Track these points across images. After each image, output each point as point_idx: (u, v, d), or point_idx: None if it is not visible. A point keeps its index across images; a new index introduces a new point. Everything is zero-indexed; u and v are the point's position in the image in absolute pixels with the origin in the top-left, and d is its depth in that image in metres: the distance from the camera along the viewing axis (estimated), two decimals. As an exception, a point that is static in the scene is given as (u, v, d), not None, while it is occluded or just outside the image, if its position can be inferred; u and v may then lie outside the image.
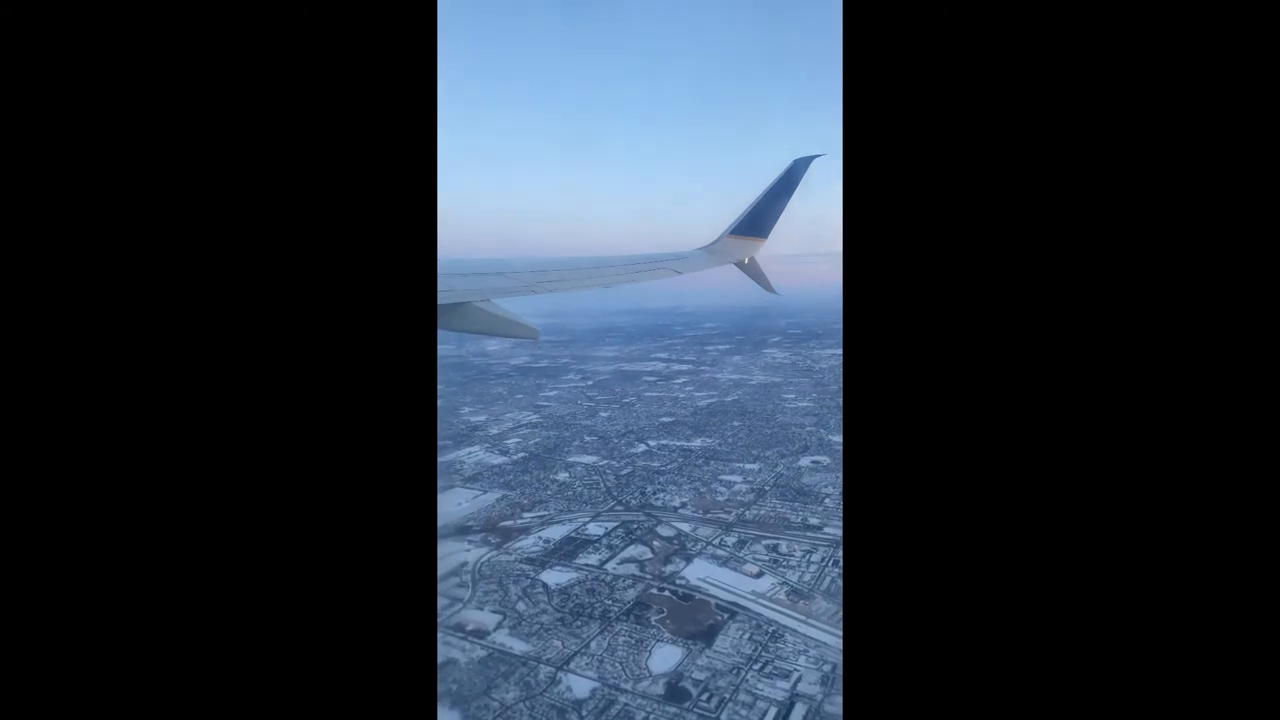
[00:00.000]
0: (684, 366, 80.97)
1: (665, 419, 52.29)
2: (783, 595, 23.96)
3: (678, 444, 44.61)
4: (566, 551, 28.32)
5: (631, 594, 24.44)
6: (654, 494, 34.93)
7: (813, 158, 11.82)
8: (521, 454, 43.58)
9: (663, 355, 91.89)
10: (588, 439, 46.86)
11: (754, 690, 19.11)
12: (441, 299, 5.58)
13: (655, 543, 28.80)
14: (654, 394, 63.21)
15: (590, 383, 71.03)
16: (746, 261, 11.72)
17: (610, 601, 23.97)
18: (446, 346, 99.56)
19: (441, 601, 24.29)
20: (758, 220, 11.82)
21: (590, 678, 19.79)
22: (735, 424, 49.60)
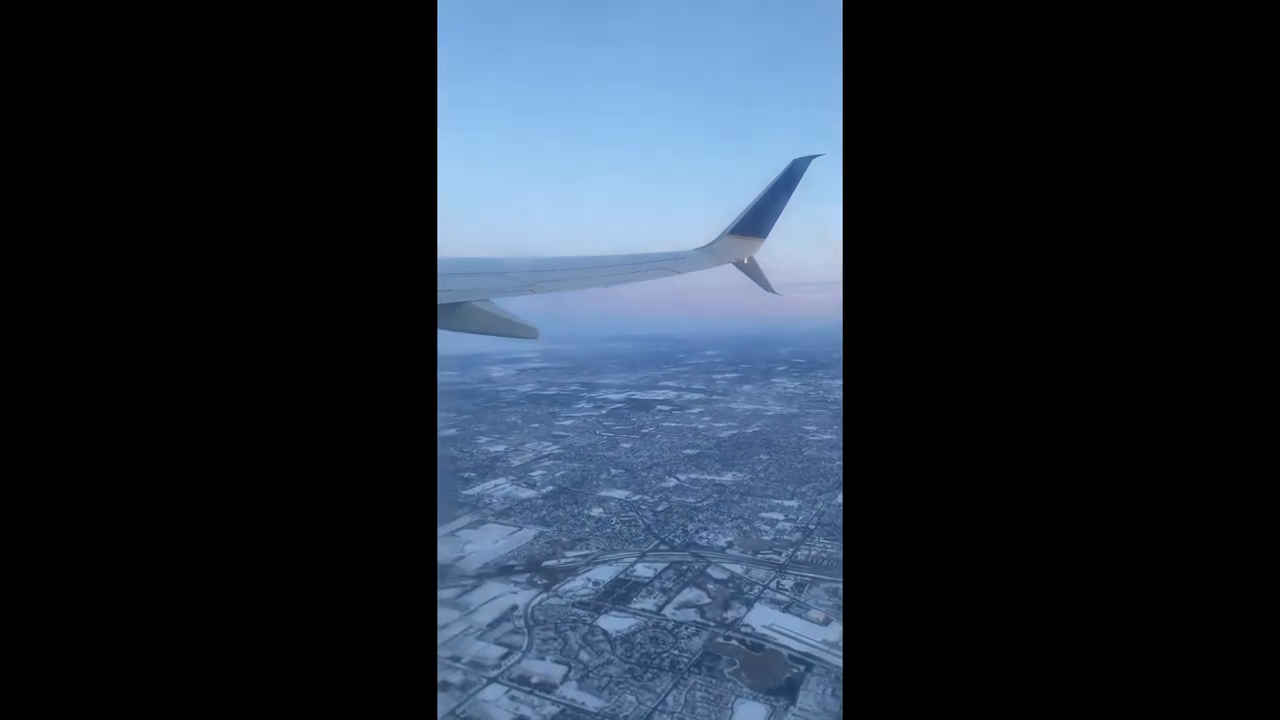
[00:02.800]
0: (696, 396, 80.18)
1: (689, 451, 51.39)
2: (856, 645, 23.01)
3: (709, 478, 43.69)
4: (619, 595, 27.22)
5: (697, 643, 23.39)
6: (696, 532, 33.93)
7: (812, 158, 11.61)
8: (549, 487, 42.47)
9: (671, 383, 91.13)
10: (614, 472, 45.83)
11: (850, 752, 18.10)
12: (440, 299, 5.29)
13: (710, 586, 27.79)
14: (672, 424, 62.32)
15: (604, 411, 70.05)
16: (745, 261, 11.44)
17: (677, 651, 22.89)
18: (450, 373, 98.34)
19: (499, 650, 23.17)
20: (757, 220, 11.56)
21: (674, 738, 18.72)
22: (763, 457, 48.78)
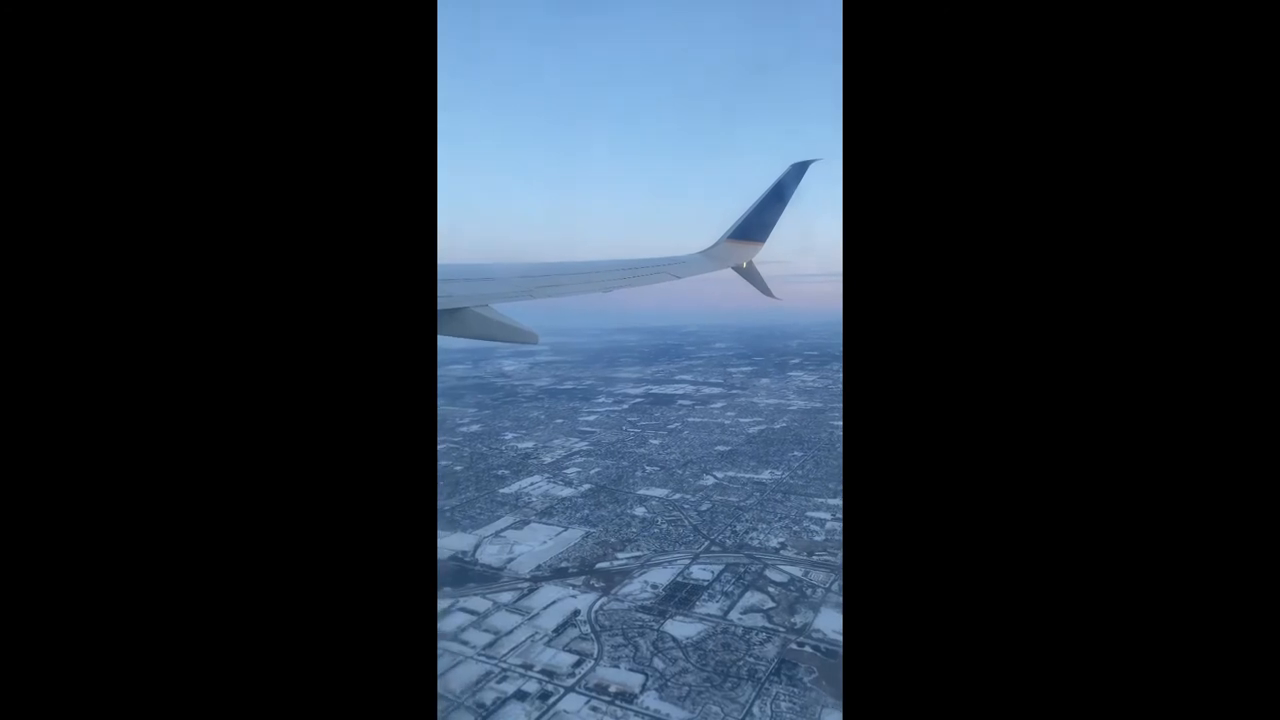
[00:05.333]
0: (714, 390, 79.78)
1: (720, 448, 51.02)
2: (933, 651, 22.70)
3: (746, 476, 43.32)
4: (680, 599, 26.86)
5: (771, 650, 23.03)
6: (746, 533, 33.56)
7: (810, 162, 11.70)
8: (586, 485, 42.08)
9: (687, 377, 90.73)
10: (649, 469, 45.44)
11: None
12: (440, 304, 5.31)
13: (770, 589, 27.44)
14: (697, 420, 61.93)
15: (625, 406, 69.63)
16: (745, 266, 11.52)
17: (752, 659, 22.53)
18: (463, 367, 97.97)
19: (571, 658, 22.79)
20: (755, 225, 11.67)
21: (768, 751, 18.36)
22: (797, 454, 48.43)
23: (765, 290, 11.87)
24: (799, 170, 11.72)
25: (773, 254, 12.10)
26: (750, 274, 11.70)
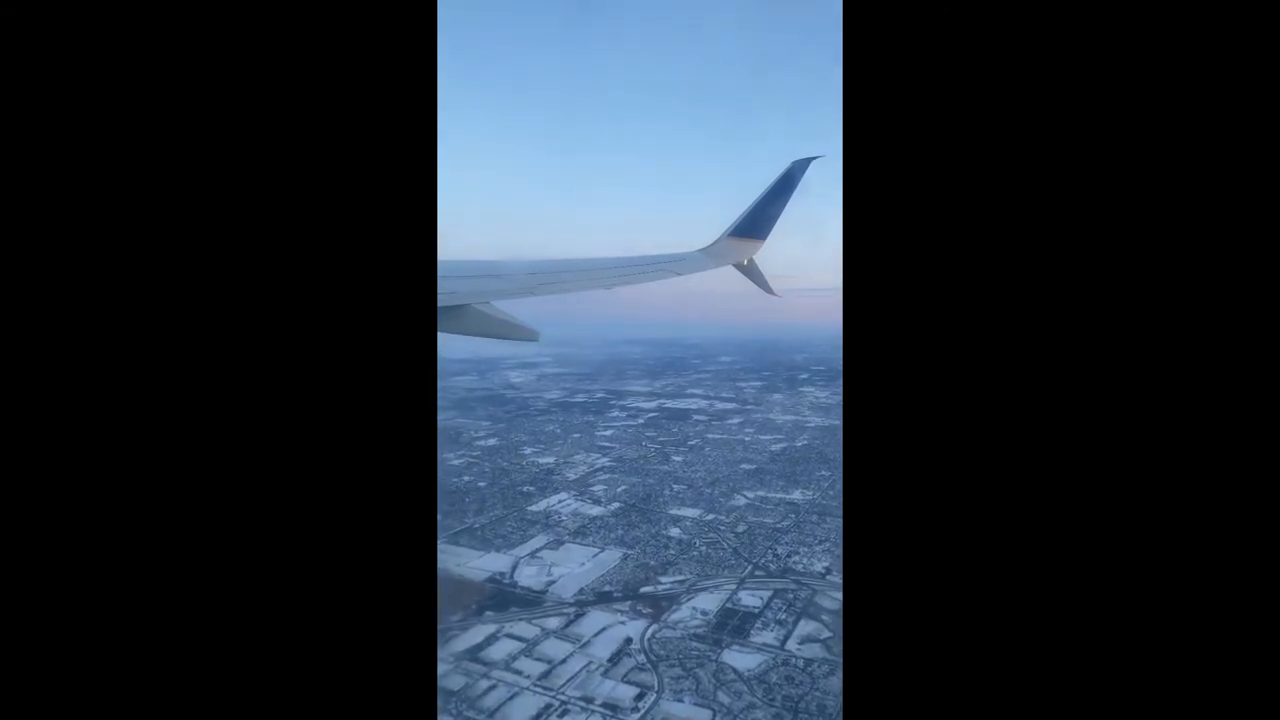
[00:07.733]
0: (728, 405, 79.20)
1: (746, 466, 50.39)
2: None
3: (778, 496, 42.67)
4: (733, 627, 26.16)
5: (836, 683, 22.32)
6: (788, 557, 32.89)
7: (811, 159, 11.61)
8: (615, 504, 41.34)
9: (699, 391, 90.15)
10: (676, 487, 44.75)
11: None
12: (440, 301, 5.17)
13: (824, 617, 26.77)
14: (716, 436, 61.32)
15: (641, 421, 68.93)
16: (745, 263, 11.43)
17: (820, 693, 21.85)
18: (469, 378, 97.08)
19: (631, 690, 22.04)
20: (756, 222, 11.54)
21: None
22: (824, 473, 47.81)
23: (766, 287, 11.67)
24: (800, 167, 11.55)
25: (776, 268, 11.94)
26: (751, 271, 11.53)
